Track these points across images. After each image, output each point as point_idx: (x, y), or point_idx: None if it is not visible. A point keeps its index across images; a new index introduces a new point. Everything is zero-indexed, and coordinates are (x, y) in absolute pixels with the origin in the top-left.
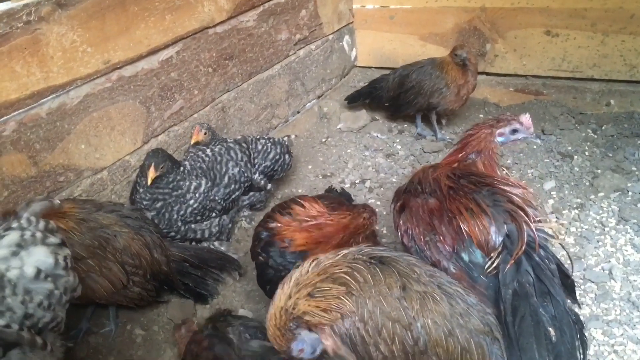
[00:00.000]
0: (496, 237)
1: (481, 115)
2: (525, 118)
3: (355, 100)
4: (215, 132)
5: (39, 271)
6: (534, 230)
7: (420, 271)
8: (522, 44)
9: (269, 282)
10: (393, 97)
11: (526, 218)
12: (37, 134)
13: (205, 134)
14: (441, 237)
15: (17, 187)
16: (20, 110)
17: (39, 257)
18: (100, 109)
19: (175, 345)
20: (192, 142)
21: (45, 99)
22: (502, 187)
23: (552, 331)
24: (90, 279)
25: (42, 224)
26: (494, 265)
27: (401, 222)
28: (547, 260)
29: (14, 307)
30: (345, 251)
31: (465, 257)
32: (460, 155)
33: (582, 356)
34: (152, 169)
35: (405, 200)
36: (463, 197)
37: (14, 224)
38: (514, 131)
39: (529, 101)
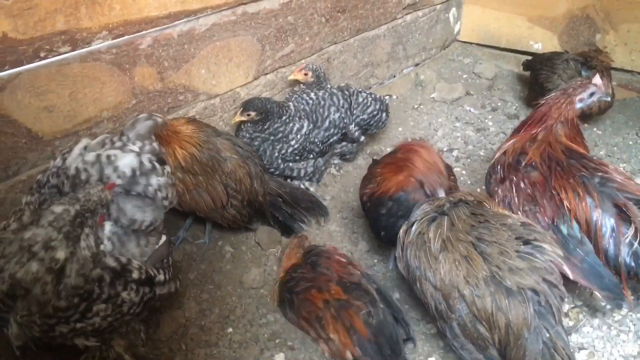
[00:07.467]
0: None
1: None
2: (598, 79)
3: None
4: (323, 77)
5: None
6: None
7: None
8: (634, 38)
9: (392, 227)
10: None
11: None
12: (167, 53)
13: (306, 74)
14: (541, 209)
15: (144, 97)
16: (157, 28)
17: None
18: (223, 39)
19: (260, 266)
20: (290, 78)
21: (179, 22)
22: (615, 176)
23: None
24: (196, 193)
25: (147, 149)
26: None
27: (500, 191)
28: None
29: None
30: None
31: (563, 229)
32: (540, 127)
33: None
34: (238, 112)
35: (506, 173)
36: (571, 177)
37: (128, 145)
38: (592, 94)
39: (631, 98)
